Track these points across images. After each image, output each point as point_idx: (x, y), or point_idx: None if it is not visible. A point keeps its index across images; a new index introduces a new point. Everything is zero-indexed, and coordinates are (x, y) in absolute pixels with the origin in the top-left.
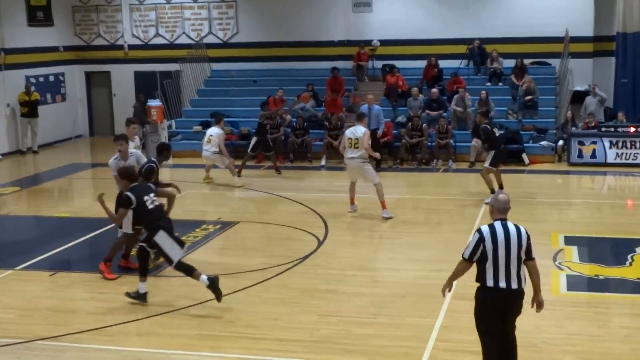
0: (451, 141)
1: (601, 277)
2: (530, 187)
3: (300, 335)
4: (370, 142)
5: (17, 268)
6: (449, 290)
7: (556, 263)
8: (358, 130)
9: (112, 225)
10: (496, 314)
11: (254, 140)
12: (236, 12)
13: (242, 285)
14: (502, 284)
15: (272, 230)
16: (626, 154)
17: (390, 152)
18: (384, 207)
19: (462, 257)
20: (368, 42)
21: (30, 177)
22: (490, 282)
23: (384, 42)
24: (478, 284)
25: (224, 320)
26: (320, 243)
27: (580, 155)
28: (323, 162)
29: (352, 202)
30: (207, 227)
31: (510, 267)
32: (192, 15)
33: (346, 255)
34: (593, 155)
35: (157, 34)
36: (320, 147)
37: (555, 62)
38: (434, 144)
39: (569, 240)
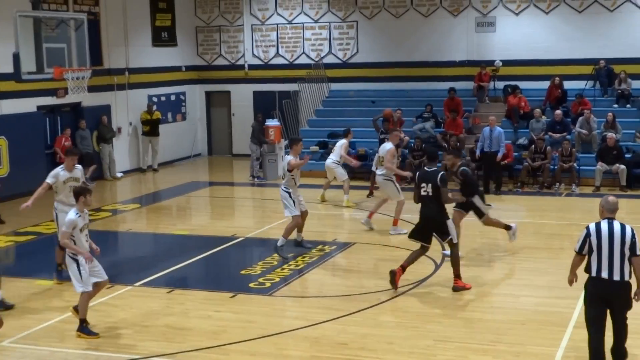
0: (575, 164)
1: None
2: None
3: None
4: (395, 160)
5: (136, 284)
6: (575, 280)
7: None
8: (382, 149)
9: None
10: (600, 301)
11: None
12: (356, 33)
13: (357, 307)
14: (605, 274)
15: (389, 252)
16: None
17: (510, 175)
18: (395, 224)
19: (574, 250)
20: (490, 63)
21: (150, 194)
22: (594, 273)
23: (507, 63)
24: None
25: (337, 342)
26: (437, 266)
27: None
28: None
29: (370, 216)
30: (323, 247)
31: (613, 261)
32: (313, 36)
33: (464, 279)
34: None
35: (277, 54)
36: None
37: None
38: (556, 167)
39: None
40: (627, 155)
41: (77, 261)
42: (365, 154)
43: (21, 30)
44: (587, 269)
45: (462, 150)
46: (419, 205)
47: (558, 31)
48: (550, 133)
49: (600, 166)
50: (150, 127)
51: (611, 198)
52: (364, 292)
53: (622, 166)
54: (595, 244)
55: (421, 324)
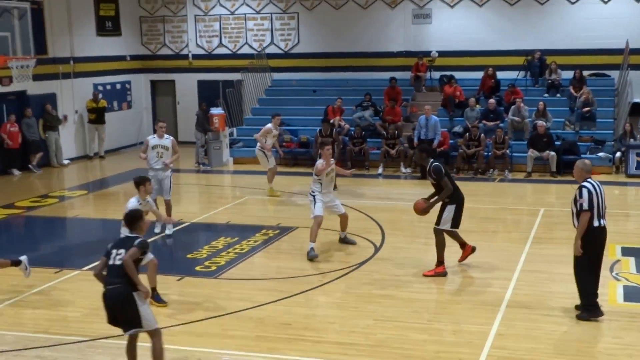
0: (508, 151)
1: None
2: None
3: (357, 339)
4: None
5: (84, 268)
6: (581, 247)
7: (613, 274)
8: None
9: (177, 228)
10: (600, 246)
11: None
12: (297, 23)
13: (300, 289)
14: (603, 222)
15: (330, 236)
16: None
17: (447, 162)
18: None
19: (584, 209)
20: (427, 53)
21: (97, 181)
22: (595, 223)
23: (442, 54)
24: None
25: (281, 322)
26: (377, 249)
27: (638, 167)
28: (380, 170)
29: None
30: (266, 232)
31: (604, 210)
32: (255, 26)
33: (402, 261)
34: None
35: (221, 44)
36: (378, 155)
37: (614, 74)
38: (490, 154)
39: (626, 252)
40: (557, 143)
41: None
42: (307, 141)
43: None
44: (590, 222)
45: (401, 137)
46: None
47: (491, 23)
48: (484, 121)
49: (532, 153)
50: (97, 115)
51: (587, 161)
52: (307, 274)
53: (553, 153)
54: (595, 199)
55: (362, 304)
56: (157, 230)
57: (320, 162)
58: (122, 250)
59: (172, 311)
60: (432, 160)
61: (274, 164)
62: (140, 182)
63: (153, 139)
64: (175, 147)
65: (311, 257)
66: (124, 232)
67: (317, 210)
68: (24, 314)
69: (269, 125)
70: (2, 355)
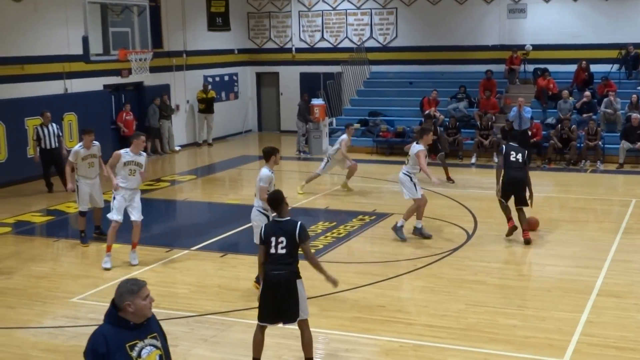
0: (600, 143)
1: None
2: None
3: (448, 323)
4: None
5: (193, 248)
6: None
7: None
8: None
9: None
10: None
11: None
12: (396, 18)
13: (394, 273)
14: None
15: (424, 222)
16: None
17: (539, 152)
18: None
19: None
20: (521, 47)
21: (205, 166)
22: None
23: (537, 47)
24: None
25: (376, 305)
26: (469, 236)
27: None
28: (473, 160)
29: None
30: (363, 217)
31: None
32: (355, 21)
33: (493, 248)
34: None
35: (322, 38)
36: (471, 145)
37: None
38: (582, 145)
39: None
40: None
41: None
42: (404, 131)
43: (90, 15)
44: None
45: (494, 128)
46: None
47: (586, 17)
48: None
49: (624, 144)
50: (206, 105)
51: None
52: (401, 259)
53: None
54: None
55: (453, 289)
56: None
57: (420, 147)
58: (282, 239)
59: None
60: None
61: (354, 163)
62: (271, 152)
63: (127, 155)
64: (147, 165)
65: (401, 236)
66: (258, 204)
67: (418, 193)
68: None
69: (345, 137)
70: None
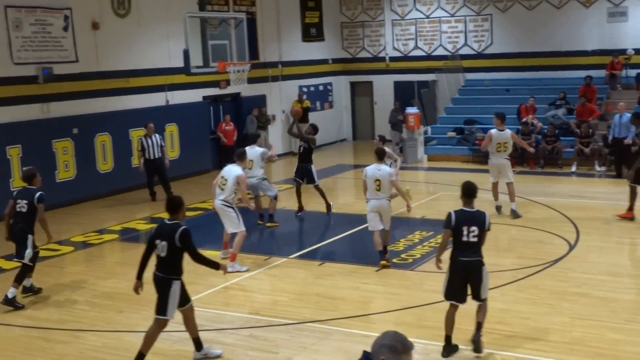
0: None
1: None
2: None
3: (552, 336)
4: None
5: (291, 256)
6: None
7: None
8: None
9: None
10: None
11: None
12: (491, 25)
13: (495, 284)
14: None
15: (524, 232)
16: None
17: None
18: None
19: None
20: (622, 51)
21: None
22: None
23: (639, 51)
24: None
25: (475, 316)
26: (571, 247)
27: None
28: (573, 169)
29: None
30: None
31: None
32: (449, 29)
33: (597, 260)
34: None
35: (416, 47)
36: (571, 153)
37: None
38: None
39: None
40: None
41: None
42: None
43: (190, 29)
44: None
45: (595, 136)
46: None
47: None
48: None
49: None
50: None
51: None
52: (501, 269)
53: None
54: None
55: (556, 301)
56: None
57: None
58: (474, 228)
59: (371, 300)
60: None
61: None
62: (381, 152)
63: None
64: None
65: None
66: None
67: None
68: (237, 296)
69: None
70: (221, 332)
